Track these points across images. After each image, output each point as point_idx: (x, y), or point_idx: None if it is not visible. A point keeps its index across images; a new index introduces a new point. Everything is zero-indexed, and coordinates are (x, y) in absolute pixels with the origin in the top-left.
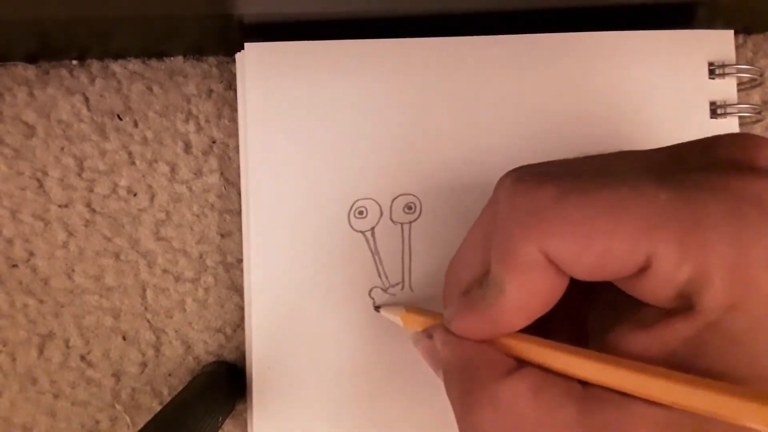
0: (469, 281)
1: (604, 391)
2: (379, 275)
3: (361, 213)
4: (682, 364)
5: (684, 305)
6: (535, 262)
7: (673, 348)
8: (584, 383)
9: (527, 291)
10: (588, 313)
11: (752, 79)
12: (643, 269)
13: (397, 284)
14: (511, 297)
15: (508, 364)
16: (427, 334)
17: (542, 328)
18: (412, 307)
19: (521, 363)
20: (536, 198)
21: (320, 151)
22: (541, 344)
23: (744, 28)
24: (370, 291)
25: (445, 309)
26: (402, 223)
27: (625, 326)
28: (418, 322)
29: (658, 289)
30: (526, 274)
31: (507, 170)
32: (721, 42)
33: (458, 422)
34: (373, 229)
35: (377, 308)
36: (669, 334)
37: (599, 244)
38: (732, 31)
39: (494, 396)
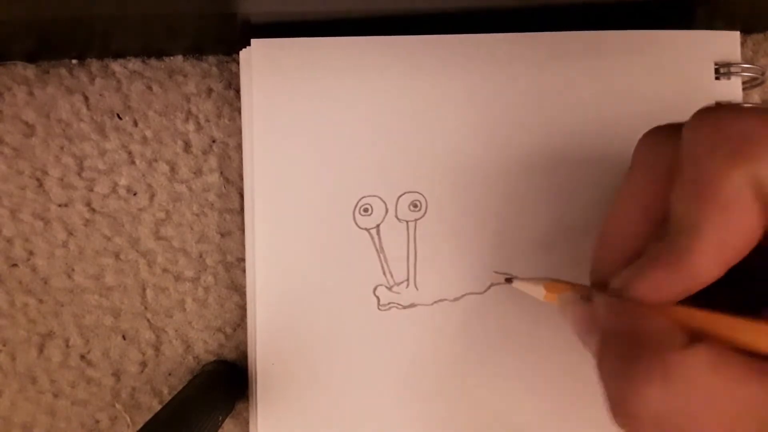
0: (632, 248)
1: None
2: (384, 273)
3: (366, 210)
4: None
5: None
6: (740, 196)
7: None
8: (760, 356)
9: (728, 232)
10: (756, 281)
11: (753, 78)
12: None
13: (402, 282)
14: (710, 238)
15: (683, 337)
16: (584, 296)
17: (708, 296)
18: (552, 279)
19: (694, 336)
20: (741, 123)
21: (325, 147)
22: (719, 316)
23: (744, 27)
24: (375, 289)
25: (595, 284)
26: (407, 221)
27: None
28: (564, 289)
29: None
30: (726, 211)
31: (509, 167)
32: (727, 42)
33: (612, 398)
34: (378, 226)
35: (509, 280)
36: None
37: None
38: (738, 32)
39: (668, 368)
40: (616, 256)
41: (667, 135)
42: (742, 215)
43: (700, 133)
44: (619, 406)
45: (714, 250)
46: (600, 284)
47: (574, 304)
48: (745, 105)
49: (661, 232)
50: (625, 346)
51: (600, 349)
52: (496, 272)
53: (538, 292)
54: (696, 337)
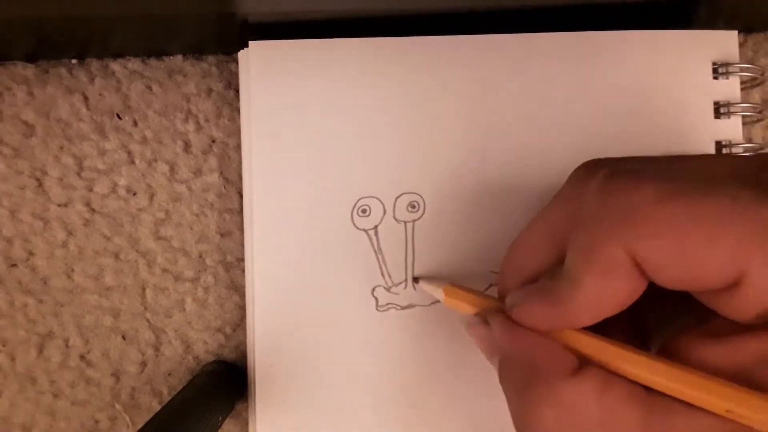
0: (532, 270)
1: (668, 398)
2: (382, 274)
3: (364, 211)
4: (751, 380)
5: (765, 323)
6: (620, 264)
7: (744, 363)
8: (647, 388)
9: (604, 290)
10: (649, 313)
11: (753, 78)
12: (732, 285)
13: (400, 283)
14: (586, 294)
15: (572, 362)
16: (483, 318)
17: (599, 324)
18: (455, 283)
19: (583, 360)
20: (633, 198)
21: (323, 148)
22: (606, 344)
23: (744, 27)
24: (373, 290)
25: (500, 294)
26: (405, 222)
27: (694, 334)
28: (463, 299)
29: (743, 305)
30: (607, 274)
31: (508, 168)
32: (725, 42)
33: (514, 414)
34: (376, 227)
35: (416, 279)
36: (744, 349)
37: (693, 255)
38: (736, 32)
39: (559, 395)
40: (517, 275)
41: (588, 173)
42: (618, 281)
43: (593, 192)
44: (520, 426)
45: (589, 305)
46: (503, 297)
47: (476, 326)
48: (641, 165)
49: (558, 265)
50: (522, 371)
51: (500, 371)
52: (492, 272)
53: (438, 294)
54: (586, 360)
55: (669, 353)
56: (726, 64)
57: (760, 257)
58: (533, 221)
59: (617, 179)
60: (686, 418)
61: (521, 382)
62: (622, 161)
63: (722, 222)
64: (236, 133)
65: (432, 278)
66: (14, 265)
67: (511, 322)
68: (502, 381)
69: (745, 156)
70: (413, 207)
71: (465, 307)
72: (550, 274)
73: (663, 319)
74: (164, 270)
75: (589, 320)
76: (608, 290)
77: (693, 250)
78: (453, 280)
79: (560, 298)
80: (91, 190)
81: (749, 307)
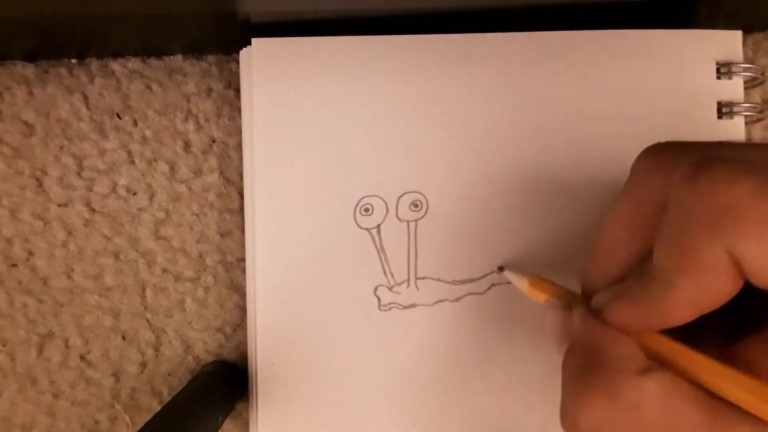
0: (617, 269)
1: (733, 405)
2: (385, 273)
3: (367, 210)
4: None
5: None
6: (717, 264)
7: None
8: (712, 393)
9: (701, 292)
10: (715, 316)
11: (754, 78)
12: None
13: (403, 282)
14: (682, 295)
15: (642, 362)
16: (567, 303)
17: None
18: (539, 276)
19: (653, 361)
20: (731, 193)
21: (326, 147)
22: (683, 349)
23: (744, 26)
24: (376, 289)
25: (584, 294)
26: (408, 221)
27: (759, 340)
28: (547, 291)
29: None
30: (702, 275)
31: (511, 168)
32: (728, 42)
33: (564, 399)
34: (379, 226)
35: (500, 268)
36: None
37: None
38: (740, 32)
39: (617, 390)
40: (603, 274)
41: (664, 161)
42: (716, 281)
43: (685, 198)
44: (566, 413)
45: (684, 305)
46: (588, 295)
47: (556, 309)
48: (739, 158)
49: (645, 262)
50: (586, 360)
51: (566, 355)
52: (498, 268)
53: (522, 285)
54: (659, 363)
55: (735, 358)
56: (729, 64)
57: None
58: (610, 218)
59: (708, 171)
60: (751, 427)
61: (584, 370)
62: (697, 148)
63: None
64: (236, 132)
65: (517, 268)
66: (14, 265)
67: (591, 316)
68: (565, 366)
69: None
70: (416, 206)
71: (547, 298)
72: (639, 273)
73: (731, 321)
74: (164, 270)
75: (682, 321)
76: (705, 292)
77: None
78: (538, 274)
79: (653, 299)
80: (91, 190)
81: None
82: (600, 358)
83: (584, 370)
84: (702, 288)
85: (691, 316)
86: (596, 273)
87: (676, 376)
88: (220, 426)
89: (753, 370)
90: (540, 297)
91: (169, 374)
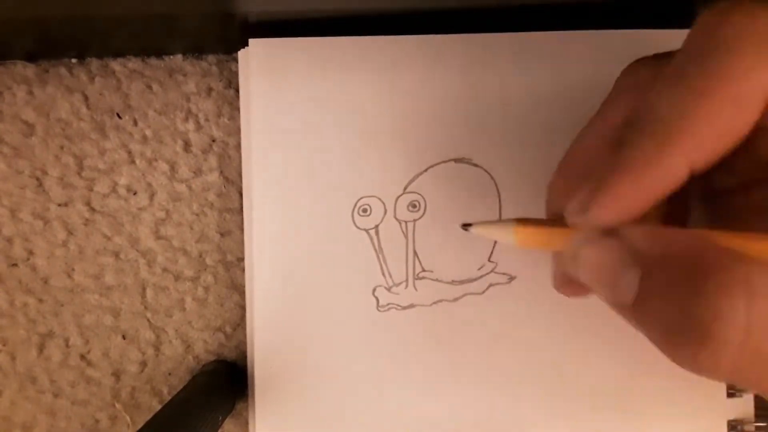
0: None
1: None
2: (383, 274)
3: (365, 211)
4: None
5: None
6: (755, 95)
7: None
8: None
9: (718, 126)
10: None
11: None
12: None
13: (401, 283)
14: (695, 132)
15: (742, 254)
16: (606, 232)
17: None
18: (523, 217)
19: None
20: (753, 24)
21: (324, 148)
22: (758, 236)
23: None
24: (374, 290)
25: (549, 213)
26: (406, 221)
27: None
28: (541, 230)
29: None
30: (735, 106)
31: (507, 168)
32: None
33: (677, 330)
34: (377, 227)
35: (465, 226)
36: None
37: None
38: None
39: (750, 280)
40: (576, 182)
41: (651, 61)
42: (747, 113)
43: (727, 22)
44: (693, 336)
45: (689, 150)
46: (556, 215)
47: (594, 243)
48: None
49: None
50: (688, 268)
51: (644, 285)
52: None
53: (506, 236)
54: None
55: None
56: None
57: None
58: (587, 129)
59: (719, 12)
60: None
61: (689, 279)
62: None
63: None
64: (236, 132)
65: (491, 222)
66: (14, 265)
67: (655, 228)
68: (646, 299)
69: None
70: (414, 206)
71: (545, 243)
72: (616, 150)
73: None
74: (164, 269)
75: (680, 179)
76: (721, 127)
77: None
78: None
79: (648, 159)
80: (91, 189)
81: None
82: (705, 260)
83: (691, 278)
84: (727, 122)
85: (699, 162)
86: (567, 187)
87: None
88: (221, 425)
89: None
90: (532, 244)
91: (170, 373)
